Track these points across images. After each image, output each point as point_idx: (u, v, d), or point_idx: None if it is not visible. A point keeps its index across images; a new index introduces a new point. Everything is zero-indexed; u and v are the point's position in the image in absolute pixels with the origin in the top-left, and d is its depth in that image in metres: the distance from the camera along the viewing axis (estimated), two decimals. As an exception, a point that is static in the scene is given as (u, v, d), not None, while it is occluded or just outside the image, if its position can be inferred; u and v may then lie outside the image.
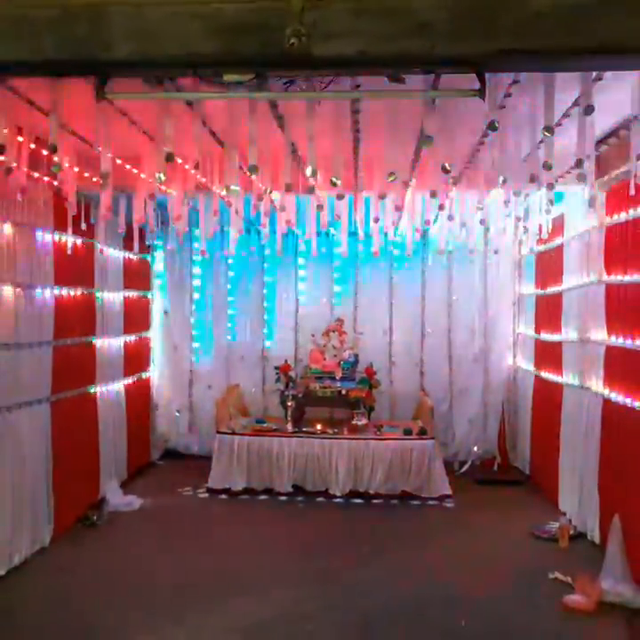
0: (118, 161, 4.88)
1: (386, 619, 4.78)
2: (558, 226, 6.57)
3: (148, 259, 9.19)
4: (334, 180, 3.83)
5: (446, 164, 3.80)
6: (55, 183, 5.09)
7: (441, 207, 5.29)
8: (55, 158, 3.95)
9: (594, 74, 3.34)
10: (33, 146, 4.39)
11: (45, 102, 3.77)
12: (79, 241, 6.76)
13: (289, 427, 7.96)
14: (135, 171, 4.93)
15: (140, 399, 8.80)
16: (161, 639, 4.47)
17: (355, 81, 3.36)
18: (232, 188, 3.95)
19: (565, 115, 3.92)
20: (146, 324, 9.23)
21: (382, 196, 4.77)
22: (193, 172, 4.42)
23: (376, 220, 5.87)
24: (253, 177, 3.76)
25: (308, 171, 3.55)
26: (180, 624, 4.64)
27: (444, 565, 5.75)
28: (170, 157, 3.57)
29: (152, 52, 2.91)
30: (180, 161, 4.24)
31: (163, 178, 3.86)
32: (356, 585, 5.31)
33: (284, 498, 7.58)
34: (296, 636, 4.53)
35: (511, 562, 5.83)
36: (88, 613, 4.80)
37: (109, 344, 7.69)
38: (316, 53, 2.80)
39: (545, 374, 7.73)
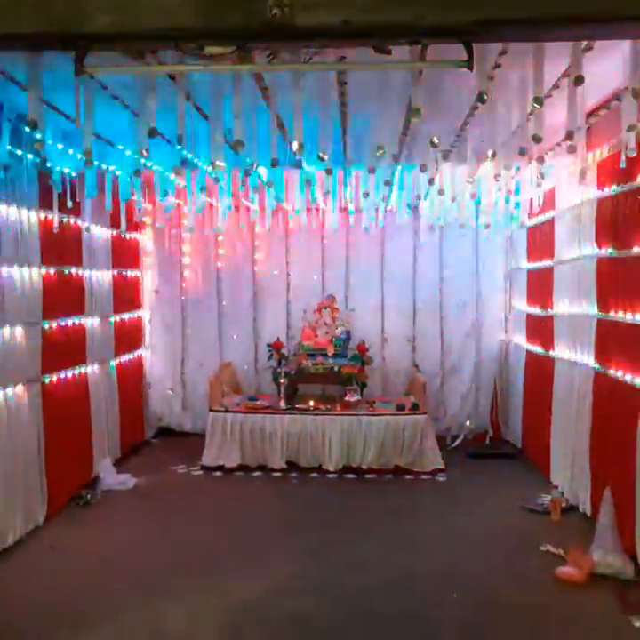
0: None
1: (378, 593, 4.81)
2: (549, 199, 6.52)
3: (137, 237, 9.10)
4: (321, 154, 3.77)
5: (434, 138, 3.73)
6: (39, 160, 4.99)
7: (431, 181, 5.23)
8: (37, 135, 3.88)
9: (584, 43, 3.27)
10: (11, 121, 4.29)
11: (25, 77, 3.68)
12: (65, 219, 6.67)
13: (282, 404, 7.96)
14: (120, 147, 4.84)
15: (132, 378, 8.78)
16: (154, 616, 4.49)
17: (340, 53, 3.28)
18: (217, 163, 3.88)
19: (555, 86, 3.85)
20: (137, 303, 9.17)
21: (372, 171, 4.70)
22: (178, 147, 4.33)
23: (366, 195, 5.82)
24: (241, 151, 3.67)
25: (295, 145, 3.48)
26: (173, 601, 4.66)
27: (437, 539, 5.79)
28: (153, 133, 3.50)
29: (131, 25, 2.83)
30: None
31: (146, 154, 3.79)
32: (349, 560, 5.34)
33: (277, 474, 7.61)
34: (289, 612, 4.56)
35: (503, 535, 5.87)
36: (82, 591, 4.82)
37: (100, 323, 7.63)
38: (300, 24, 2.72)
39: (536, 348, 7.73)
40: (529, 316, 8.13)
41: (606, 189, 5.49)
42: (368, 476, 7.55)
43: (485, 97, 3.25)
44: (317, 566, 5.25)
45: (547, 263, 7.24)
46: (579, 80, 3.23)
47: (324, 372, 8.17)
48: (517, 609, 4.59)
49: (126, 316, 8.60)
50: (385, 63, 3.15)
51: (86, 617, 4.45)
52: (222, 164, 3.92)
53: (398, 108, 4.05)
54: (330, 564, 5.29)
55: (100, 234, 7.63)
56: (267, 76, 3.67)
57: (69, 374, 6.80)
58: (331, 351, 8.25)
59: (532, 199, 5.98)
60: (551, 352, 7.11)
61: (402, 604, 4.66)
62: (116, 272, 8.17)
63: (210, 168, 4.41)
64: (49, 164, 4.97)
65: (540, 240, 7.54)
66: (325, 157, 3.78)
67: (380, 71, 3.51)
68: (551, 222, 6.98)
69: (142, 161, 4.17)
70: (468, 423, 9.00)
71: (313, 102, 3.73)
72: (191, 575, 5.07)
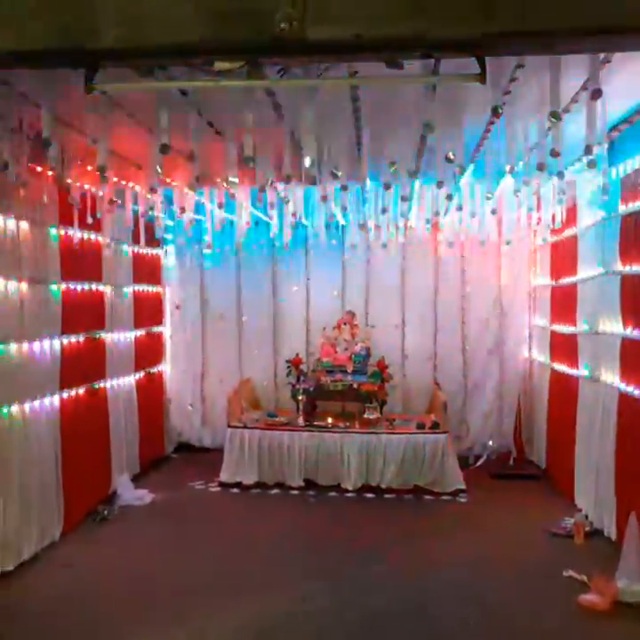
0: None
1: (394, 616, 4.69)
2: (572, 215, 6.39)
3: (159, 253, 9.15)
4: (335, 171, 3.72)
5: (450, 154, 3.67)
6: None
7: (449, 197, 5.15)
8: (51, 152, 3.91)
9: (602, 56, 3.19)
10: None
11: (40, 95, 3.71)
12: (86, 235, 6.71)
13: (300, 420, 7.88)
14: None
15: (152, 393, 8.78)
16: (165, 637, 4.42)
17: (352, 67, 3.24)
18: (230, 179, 3.86)
19: (573, 100, 3.76)
20: (158, 319, 9.20)
21: (387, 187, 4.65)
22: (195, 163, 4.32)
23: (384, 211, 5.76)
24: (251, 168, 3.65)
25: (307, 161, 3.44)
26: (184, 621, 4.59)
27: (456, 562, 5.64)
28: (164, 149, 3.49)
29: (140, 40, 2.82)
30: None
31: (160, 171, 3.79)
32: (365, 582, 5.24)
33: (295, 492, 7.52)
34: (302, 634, 4.46)
35: (525, 559, 5.71)
36: (92, 609, 4.77)
37: (119, 339, 7.66)
38: (310, 38, 2.69)
39: (560, 367, 7.57)
40: (553, 333, 7.97)
41: (631, 205, 5.36)
42: (387, 495, 7.42)
43: (500, 111, 3.18)
44: (332, 588, 5.14)
45: (570, 280, 7.09)
46: (596, 94, 3.15)
47: (343, 389, 8.09)
48: (537, 636, 4.44)
49: (147, 331, 8.63)
50: (397, 77, 3.10)
51: (93, 636, 4.40)
52: (235, 179, 3.90)
53: (413, 124, 4.00)
54: (345, 585, 5.18)
55: (120, 250, 7.68)
56: (279, 91, 3.64)
57: (89, 389, 6.81)
58: (350, 368, 8.16)
59: (554, 215, 5.85)
60: (575, 371, 6.94)
61: (418, 629, 4.53)
62: (137, 287, 8.21)
63: (225, 184, 4.39)
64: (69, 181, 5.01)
65: (564, 256, 7.39)
66: (339, 174, 3.73)
67: (394, 86, 3.45)
68: (574, 238, 6.84)
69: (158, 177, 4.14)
70: (490, 442, 8.83)
71: (326, 118, 3.69)
72: (204, 594, 5.00)
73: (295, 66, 3.07)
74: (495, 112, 3.20)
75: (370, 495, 7.43)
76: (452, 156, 3.62)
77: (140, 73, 3.15)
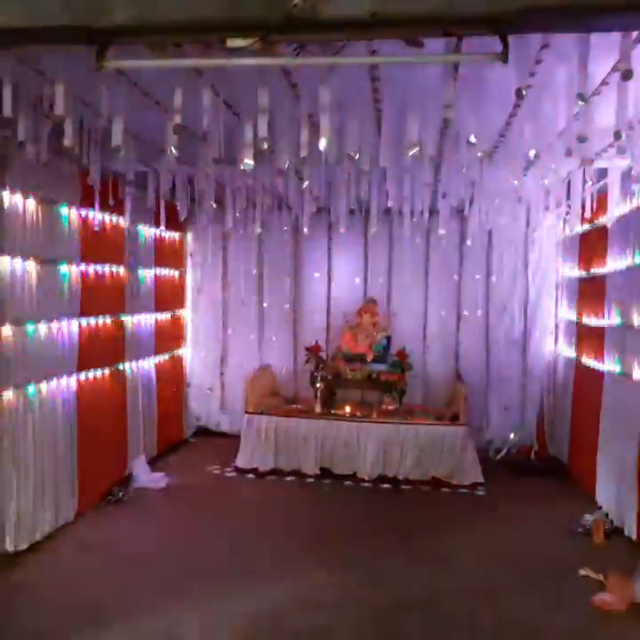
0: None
1: (404, 611, 4.61)
2: (602, 204, 6.18)
3: (182, 236, 9.12)
4: (352, 154, 3.62)
5: (472, 137, 3.54)
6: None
7: (473, 184, 5.00)
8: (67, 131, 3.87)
9: (634, 34, 3.03)
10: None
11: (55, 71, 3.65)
12: (107, 217, 6.70)
13: (318, 408, 7.82)
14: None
15: (172, 377, 8.79)
16: (171, 621, 4.41)
17: (371, 46, 3.13)
18: (246, 161, 3.78)
19: (604, 82, 3.60)
20: (180, 302, 9.19)
21: (409, 171, 4.52)
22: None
23: (407, 198, 5.63)
24: (266, 149, 3.56)
25: (322, 143, 3.34)
26: (192, 606, 4.59)
27: (469, 557, 5.55)
28: (177, 130, 3.41)
29: (152, 17, 2.76)
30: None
31: (174, 152, 3.72)
32: (377, 574, 5.17)
33: (311, 480, 7.47)
34: (309, 625, 4.42)
35: (541, 555, 5.59)
36: (102, 590, 4.78)
37: (140, 321, 7.66)
38: (324, 15, 2.59)
39: (586, 361, 7.38)
40: (579, 326, 7.77)
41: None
42: (404, 486, 7.34)
43: (524, 93, 3.04)
44: (344, 579, 5.08)
45: (599, 271, 6.89)
46: (627, 74, 2.99)
47: (361, 378, 8.01)
48: (549, 636, 4.33)
49: (168, 314, 8.63)
50: (416, 56, 2.98)
51: (102, 617, 4.41)
52: (251, 162, 3.81)
53: (436, 106, 3.87)
54: (357, 577, 5.12)
55: (142, 232, 7.66)
56: (295, 70, 3.54)
57: (106, 371, 6.83)
58: (370, 357, 8.07)
59: (583, 204, 5.66)
60: (601, 365, 6.76)
61: (427, 625, 4.45)
62: (158, 271, 8.20)
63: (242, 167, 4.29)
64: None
65: (592, 247, 7.19)
66: (356, 157, 3.63)
67: (415, 67, 3.32)
68: (604, 228, 6.63)
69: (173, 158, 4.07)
70: (512, 436, 8.67)
71: (344, 98, 3.57)
72: (213, 580, 4.99)
73: (312, 44, 2.95)
74: (519, 95, 3.06)
75: (386, 486, 7.35)
76: (473, 140, 3.49)
77: (154, 52, 3.07)
